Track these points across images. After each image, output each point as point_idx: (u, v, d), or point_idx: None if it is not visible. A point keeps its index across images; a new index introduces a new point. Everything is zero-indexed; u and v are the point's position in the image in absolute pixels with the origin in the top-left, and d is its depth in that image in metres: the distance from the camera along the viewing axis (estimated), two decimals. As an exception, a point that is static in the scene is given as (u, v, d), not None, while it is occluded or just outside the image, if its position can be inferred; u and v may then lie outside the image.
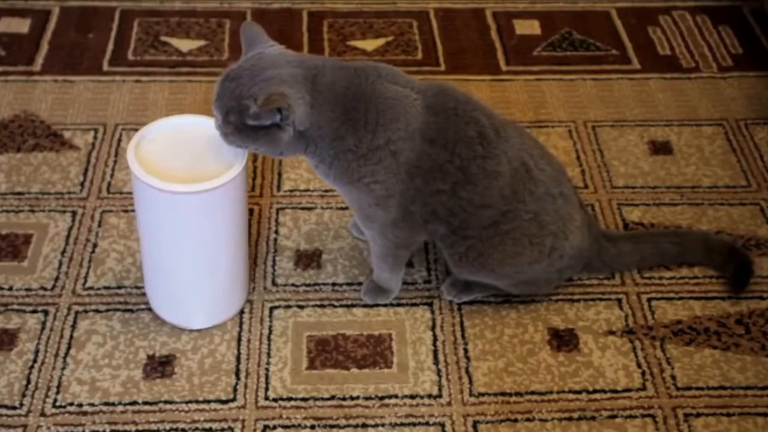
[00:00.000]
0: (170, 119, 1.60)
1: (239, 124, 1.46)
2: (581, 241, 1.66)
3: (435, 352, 1.64)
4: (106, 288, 1.72)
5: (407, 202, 1.56)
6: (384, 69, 1.56)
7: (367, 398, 1.58)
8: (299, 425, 1.54)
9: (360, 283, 1.74)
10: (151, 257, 1.62)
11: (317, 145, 1.51)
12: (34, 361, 1.61)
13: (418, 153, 1.52)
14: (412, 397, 1.58)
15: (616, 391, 1.60)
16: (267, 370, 1.61)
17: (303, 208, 1.88)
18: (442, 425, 1.54)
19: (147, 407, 1.55)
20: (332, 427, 1.54)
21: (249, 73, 1.47)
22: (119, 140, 2.00)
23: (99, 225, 1.83)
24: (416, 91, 1.55)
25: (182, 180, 1.48)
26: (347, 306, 1.71)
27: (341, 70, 1.52)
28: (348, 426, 1.54)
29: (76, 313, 1.68)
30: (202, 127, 1.57)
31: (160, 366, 1.61)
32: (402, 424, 1.54)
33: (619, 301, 1.74)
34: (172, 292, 1.64)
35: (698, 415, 1.57)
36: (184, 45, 2.25)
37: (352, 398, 1.57)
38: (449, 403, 1.58)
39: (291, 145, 1.50)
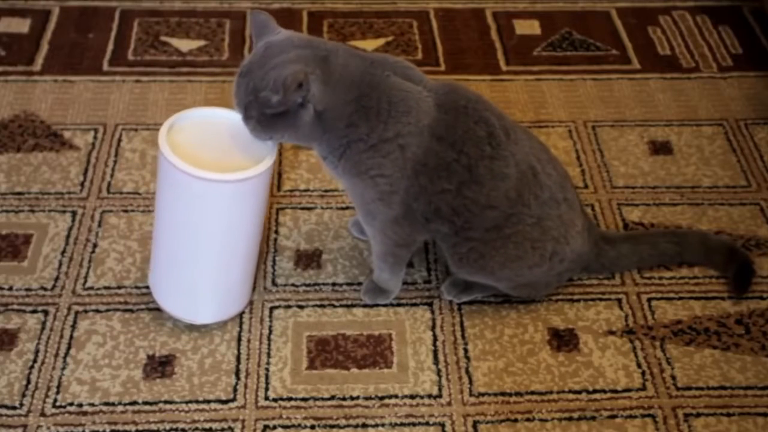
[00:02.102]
0: (200, 110, 1.60)
1: (260, 116, 1.48)
2: (581, 246, 1.66)
3: (435, 352, 1.64)
4: (106, 288, 1.72)
5: (411, 199, 1.56)
6: (399, 64, 1.56)
7: (367, 398, 1.58)
8: (299, 425, 1.54)
9: (360, 283, 1.74)
10: (168, 246, 1.60)
11: (332, 131, 1.51)
12: (34, 361, 1.61)
13: (425, 150, 1.52)
14: (412, 397, 1.58)
15: (616, 391, 1.60)
16: (267, 370, 1.61)
17: (303, 208, 1.88)
18: (442, 425, 1.54)
19: (147, 407, 1.55)
20: (332, 427, 1.54)
21: (258, 66, 1.48)
22: (119, 140, 2.00)
23: (99, 225, 1.83)
24: (428, 89, 1.55)
25: (211, 170, 1.48)
26: (347, 306, 1.71)
27: (355, 57, 1.52)
28: (348, 426, 1.54)
29: (76, 313, 1.68)
30: (232, 120, 1.55)
31: (160, 366, 1.61)
32: (402, 424, 1.54)
33: (619, 301, 1.74)
34: (185, 284, 1.62)
35: (698, 415, 1.57)
36: (184, 45, 2.25)
37: (352, 398, 1.57)
38: (449, 403, 1.58)
39: (311, 129, 1.50)
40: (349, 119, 1.50)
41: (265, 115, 1.47)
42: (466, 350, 1.65)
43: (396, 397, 1.58)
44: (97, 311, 1.68)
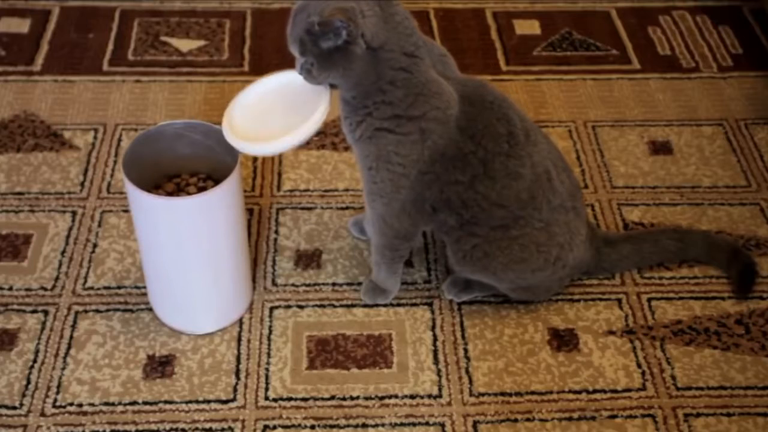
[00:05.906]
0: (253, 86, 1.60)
1: (315, 50, 1.43)
2: (584, 253, 1.67)
3: (435, 352, 1.64)
4: (106, 288, 1.72)
5: (424, 187, 1.55)
6: (441, 56, 1.55)
7: (367, 398, 1.58)
8: (299, 425, 1.54)
9: (360, 283, 1.74)
10: (154, 267, 1.61)
11: (378, 81, 1.46)
12: (34, 361, 1.61)
13: (447, 140, 1.52)
14: (412, 397, 1.58)
15: (616, 391, 1.60)
16: (267, 370, 1.61)
17: (303, 208, 1.88)
18: (442, 425, 1.54)
19: (147, 407, 1.55)
20: (332, 427, 1.54)
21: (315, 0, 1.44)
22: (119, 140, 2.00)
23: (99, 225, 1.83)
24: (455, 81, 1.54)
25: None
26: (347, 306, 1.71)
27: (414, 26, 1.49)
28: (348, 426, 1.54)
29: (76, 313, 1.68)
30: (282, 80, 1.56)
31: (160, 366, 1.61)
32: (402, 424, 1.54)
33: (619, 301, 1.74)
34: (176, 301, 1.63)
35: (698, 415, 1.57)
36: (184, 45, 2.25)
37: (352, 398, 1.57)
38: (449, 403, 1.58)
39: (364, 69, 1.45)
40: (394, 76, 1.47)
41: (320, 50, 1.42)
42: (466, 350, 1.65)
43: (396, 397, 1.58)
44: (97, 311, 1.68)
